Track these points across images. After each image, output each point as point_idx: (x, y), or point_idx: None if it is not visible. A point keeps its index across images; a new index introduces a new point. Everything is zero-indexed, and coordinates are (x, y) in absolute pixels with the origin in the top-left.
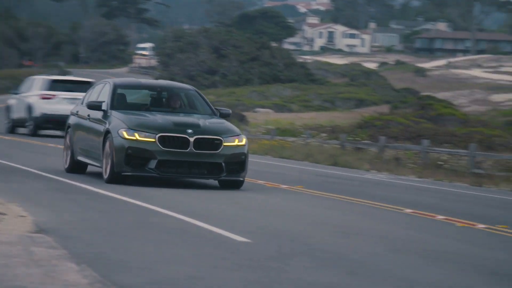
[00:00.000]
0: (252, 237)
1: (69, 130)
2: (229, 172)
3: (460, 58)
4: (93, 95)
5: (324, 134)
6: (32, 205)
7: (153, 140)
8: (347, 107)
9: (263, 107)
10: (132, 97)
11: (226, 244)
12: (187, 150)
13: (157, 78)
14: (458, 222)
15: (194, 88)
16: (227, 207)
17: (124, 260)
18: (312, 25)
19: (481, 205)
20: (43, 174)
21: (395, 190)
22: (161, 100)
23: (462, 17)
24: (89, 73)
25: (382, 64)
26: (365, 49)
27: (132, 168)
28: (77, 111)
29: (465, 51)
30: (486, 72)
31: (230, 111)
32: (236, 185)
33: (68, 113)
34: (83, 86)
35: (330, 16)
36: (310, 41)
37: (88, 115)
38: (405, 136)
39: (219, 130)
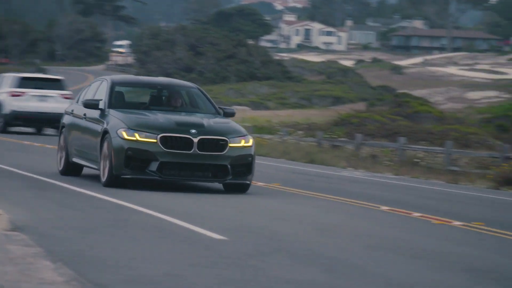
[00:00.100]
0: (229, 234)
1: (64, 130)
2: (235, 175)
3: (436, 56)
4: (89, 93)
5: (300, 132)
6: (7, 203)
7: (155, 140)
8: (324, 105)
9: (240, 104)
10: (128, 95)
11: (203, 242)
12: (191, 152)
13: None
14: (434, 219)
15: (196, 85)
16: (204, 205)
17: (100, 258)
18: (289, 23)
19: (457, 202)
20: (17, 171)
21: (371, 188)
22: (161, 99)
23: (438, 15)
24: (65, 71)
25: (359, 61)
26: (341, 47)
27: (132, 171)
28: (72, 110)
29: (441, 49)
30: (462, 69)
31: (235, 110)
32: (242, 189)
33: (38, 110)
34: (52, 84)
35: (307, 13)
36: (287, 38)
37: (84, 114)
38: (381, 134)
39: (224, 130)
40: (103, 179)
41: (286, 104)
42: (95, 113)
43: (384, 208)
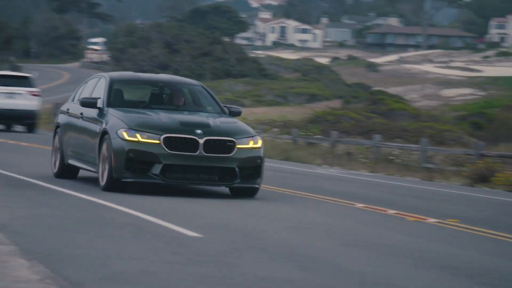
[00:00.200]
0: (204, 232)
1: (58, 130)
2: (243, 178)
3: (411, 53)
4: (85, 91)
5: (276, 129)
6: None
7: (158, 141)
8: (299, 102)
9: None
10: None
11: (178, 239)
12: (196, 153)
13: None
14: (409, 216)
15: (200, 83)
16: (179, 203)
17: (75, 256)
18: (264, 20)
19: (432, 200)
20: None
21: (347, 185)
22: (162, 97)
23: (414, 13)
24: (40, 68)
25: (334, 59)
26: (317, 44)
27: (133, 174)
28: (68, 109)
29: (417, 46)
30: (437, 67)
31: (241, 109)
32: (250, 193)
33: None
34: (20, 81)
35: (283, 11)
36: (262, 36)
37: (81, 114)
38: (356, 131)
39: (231, 130)
40: (102, 182)
41: (261, 101)
42: (92, 112)
43: (360, 205)
